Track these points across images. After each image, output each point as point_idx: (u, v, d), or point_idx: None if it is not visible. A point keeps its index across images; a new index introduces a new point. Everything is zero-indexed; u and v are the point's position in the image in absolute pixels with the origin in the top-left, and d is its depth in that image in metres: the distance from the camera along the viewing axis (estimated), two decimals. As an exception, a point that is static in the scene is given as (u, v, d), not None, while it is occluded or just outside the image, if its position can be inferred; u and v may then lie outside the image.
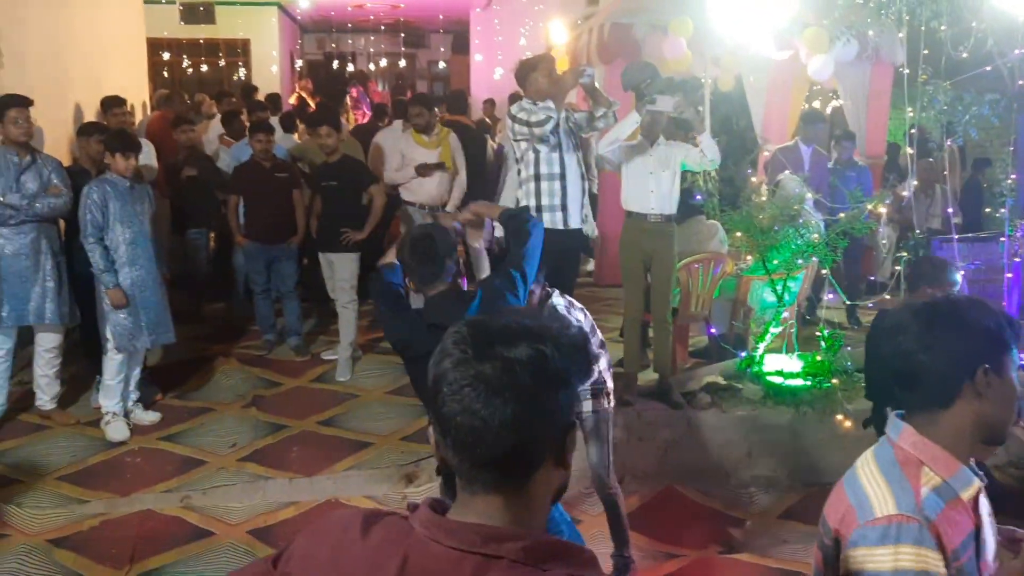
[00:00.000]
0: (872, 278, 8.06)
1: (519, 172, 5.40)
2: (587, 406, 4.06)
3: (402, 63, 24.29)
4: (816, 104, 10.15)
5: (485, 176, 7.78)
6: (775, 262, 5.79)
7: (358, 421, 5.98)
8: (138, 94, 9.97)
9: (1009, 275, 6.05)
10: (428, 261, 3.24)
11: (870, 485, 1.68)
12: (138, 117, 9.33)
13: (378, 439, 5.71)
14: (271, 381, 6.61)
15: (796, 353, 5.92)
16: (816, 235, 5.84)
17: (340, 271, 6.55)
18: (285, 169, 6.95)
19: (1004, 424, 1.71)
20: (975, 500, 1.70)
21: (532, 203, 5.25)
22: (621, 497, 4.26)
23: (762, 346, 5.85)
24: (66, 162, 6.18)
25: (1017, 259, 6.19)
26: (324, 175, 6.64)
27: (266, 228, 6.72)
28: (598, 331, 4.30)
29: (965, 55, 5.83)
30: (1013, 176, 6.26)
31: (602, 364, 4.08)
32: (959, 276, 3.94)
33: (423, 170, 6.86)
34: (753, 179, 6.81)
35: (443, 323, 3.07)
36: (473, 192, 7.37)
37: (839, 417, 5.29)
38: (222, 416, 6.05)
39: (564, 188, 5.25)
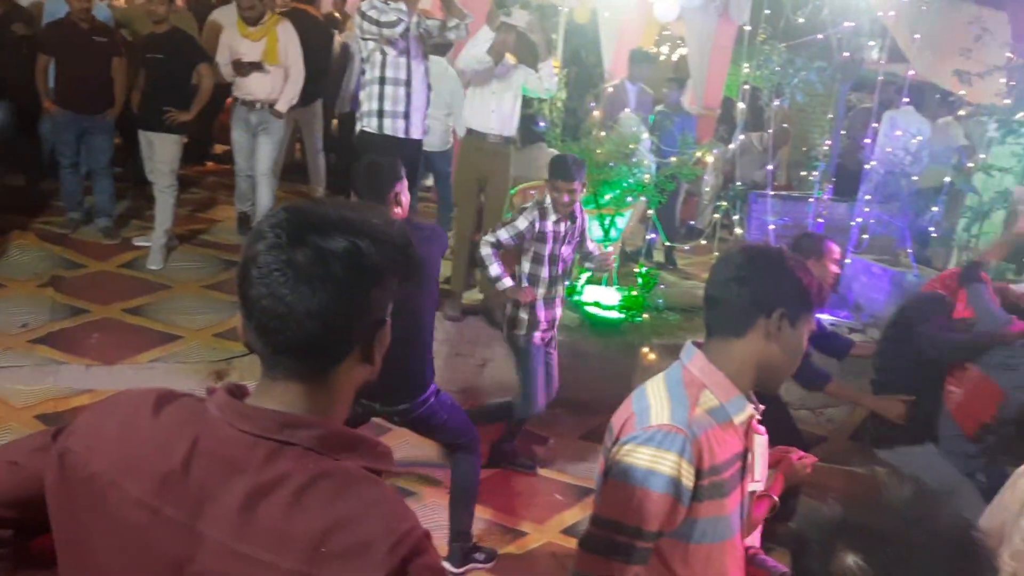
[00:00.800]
0: (692, 223, 8.48)
1: (363, 72, 5.22)
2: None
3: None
4: (664, 49, 10.40)
5: (328, 73, 7.46)
6: (606, 197, 5.97)
7: (168, 313, 5.71)
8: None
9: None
10: (371, 186, 3.39)
11: (654, 397, 1.82)
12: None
13: (189, 333, 5.49)
14: (73, 262, 6.16)
15: (615, 287, 6.18)
16: (647, 175, 6.05)
17: (160, 152, 6.13)
18: (105, 33, 6.35)
19: (783, 370, 1.87)
20: (747, 425, 1.86)
21: (374, 107, 5.10)
22: None
23: (584, 277, 6.05)
24: None
25: (820, 219, 6.70)
26: (149, 46, 6.13)
27: (78, 96, 6.15)
28: None
29: (802, 20, 6.13)
30: (828, 143, 6.72)
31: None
32: (837, 250, 4.09)
33: (238, 69, 6.23)
34: (595, 113, 6.94)
35: None
36: (314, 90, 7.08)
37: (645, 349, 5.60)
38: (13, 294, 5.60)
39: (409, 95, 5.12)
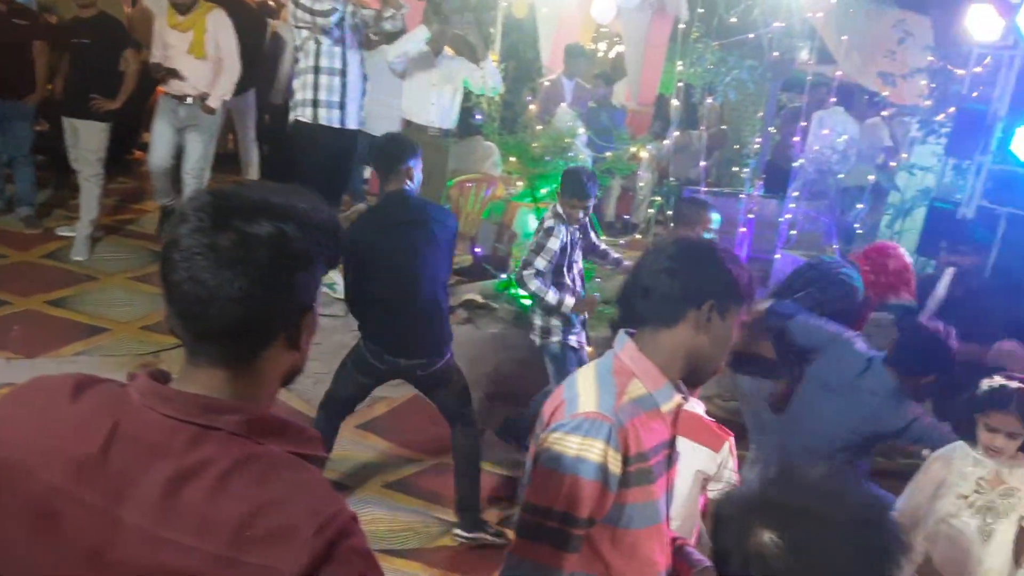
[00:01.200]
0: (627, 217, 8.58)
1: (297, 61, 5.15)
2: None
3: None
4: (602, 46, 10.50)
5: (262, 63, 7.33)
6: (543, 191, 6.00)
7: (94, 305, 5.54)
8: None
9: (743, 229, 6.70)
10: (386, 159, 3.78)
11: (583, 386, 1.84)
12: None
13: (116, 326, 5.34)
14: (-7, 252, 5.94)
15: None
16: (583, 170, 6.09)
17: (85, 140, 5.93)
18: (26, 16, 6.13)
19: (712, 361, 1.89)
20: (675, 414, 1.90)
21: (308, 96, 5.04)
22: None
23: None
24: None
25: (751, 215, 6.85)
26: (74, 31, 5.94)
27: (-5, 79, 5.92)
28: None
29: (734, 20, 6.26)
30: (759, 140, 6.88)
31: None
32: (718, 216, 4.29)
33: (155, 71, 5.83)
34: (531, 107, 6.97)
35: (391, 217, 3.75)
36: (247, 79, 6.94)
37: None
38: (-72, 284, 5.38)
39: (344, 85, 5.07)
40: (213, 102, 5.86)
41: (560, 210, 4.48)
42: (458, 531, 4.04)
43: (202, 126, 5.91)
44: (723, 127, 7.99)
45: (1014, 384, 2.75)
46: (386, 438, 4.91)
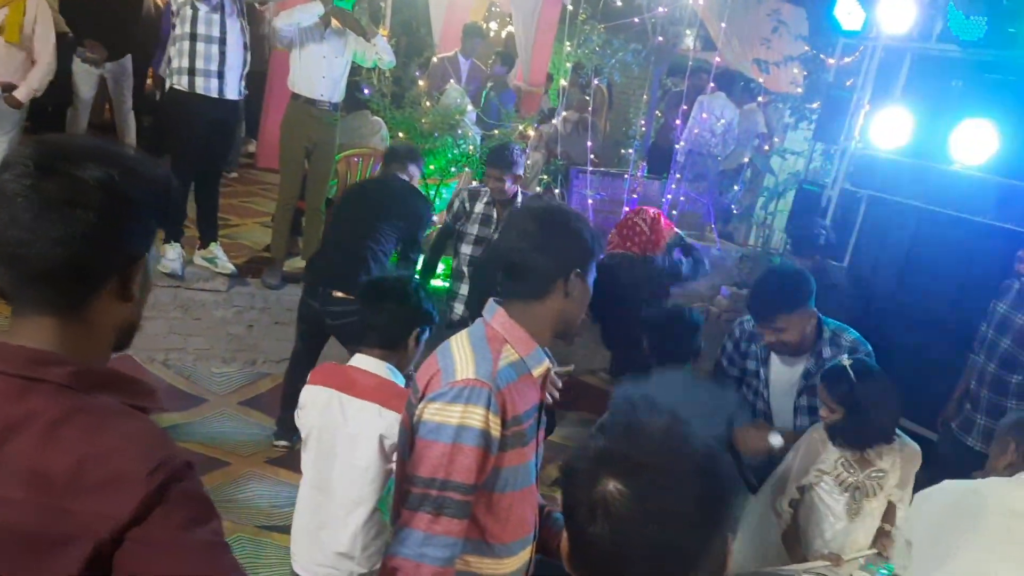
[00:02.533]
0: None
1: (174, 27, 4.96)
2: None
3: None
4: (493, 25, 10.51)
5: (138, 28, 7.02)
6: (431, 167, 6.00)
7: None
8: None
9: (627, 208, 6.88)
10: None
11: (458, 353, 1.87)
12: None
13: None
14: None
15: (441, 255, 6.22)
16: (472, 147, 6.13)
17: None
18: None
19: (577, 320, 1.98)
20: (544, 378, 1.96)
21: (185, 64, 4.86)
22: None
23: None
24: None
25: (635, 195, 7.05)
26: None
27: None
28: None
29: (620, 3, 6.39)
30: (642, 122, 7.06)
31: None
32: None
33: None
34: (420, 83, 6.94)
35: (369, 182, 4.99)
36: (124, 45, 6.64)
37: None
38: None
39: (223, 54, 4.91)
40: (21, 94, 5.23)
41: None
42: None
43: (2, 118, 5.27)
44: (585, 115, 8.11)
45: (841, 362, 2.88)
46: (270, 414, 4.85)
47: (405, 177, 4.72)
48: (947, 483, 2.28)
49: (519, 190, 4.77)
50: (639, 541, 1.12)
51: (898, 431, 2.90)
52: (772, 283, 3.21)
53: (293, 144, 5.41)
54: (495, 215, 4.74)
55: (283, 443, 4.60)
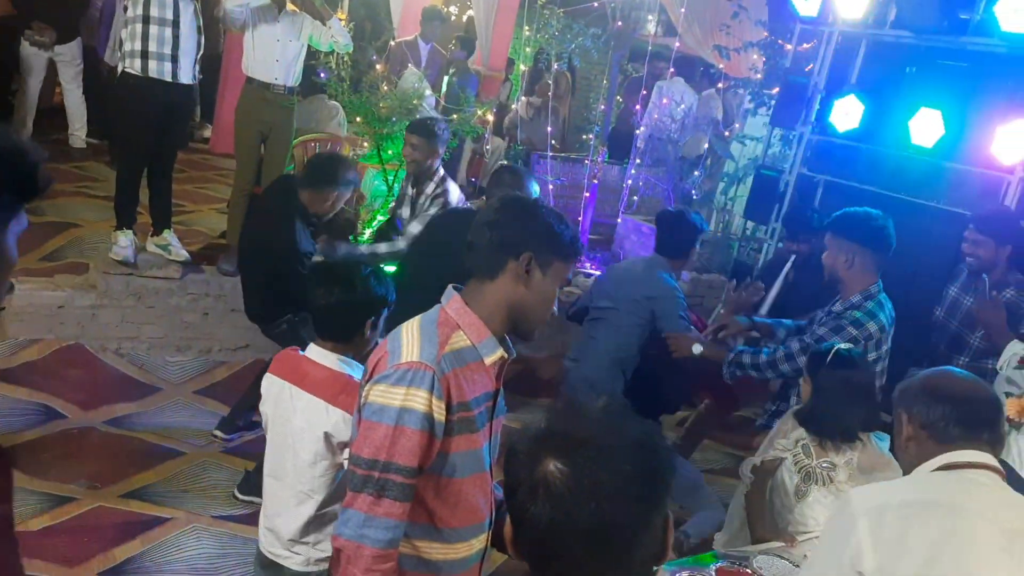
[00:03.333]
0: (474, 180, 8.64)
1: (125, 9, 4.85)
2: None
3: None
4: (453, 9, 10.44)
5: (86, 10, 6.86)
6: (389, 152, 5.95)
7: None
8: None
9: (587, 194, 6.89)
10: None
11: (406, 337, 1.86)
12: None
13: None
14: None
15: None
16: (431, 132, 6.07)
17: None
18: None
19: (535, 314, 1.94)
20: (500, 367, 1.94)
21: (137, 47, 4.75)
22: None
23: (368, 232, 6.02)
24: None
25: (596, 180, 7.05)
26: None
27: None
28: None
29: (579, -13, 6.37)
30: (602, 107, 7.06)
31: None
32: (536, 187, 4.35)
33: None
34: (378, 67, 6.87)
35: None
36: (72, 28, 6.49)
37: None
38: None
39: (176, 37, 4.81)
40: None
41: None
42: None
43: None
44: (547, 99, 8.10)
45: (835, 343, 2.99)
46: (226, 403, 4.79)
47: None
48: (898, 496, 1.94)
49: (443, 175, 4.54)
50: (579, 519, 1.13)
51: (879, 438, 2.90)
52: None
53: (248, 129, 5.32)
54: (408, 191, 4.58)
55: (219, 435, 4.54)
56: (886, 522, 1.84)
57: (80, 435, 4.34)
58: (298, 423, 2.35)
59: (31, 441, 4.19)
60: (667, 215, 4.11)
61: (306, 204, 4.09)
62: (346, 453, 2.28)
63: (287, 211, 4.06)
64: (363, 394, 1.85)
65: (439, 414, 1.78)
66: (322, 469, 2.35)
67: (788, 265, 4.52)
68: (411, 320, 1.93)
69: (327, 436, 2.31)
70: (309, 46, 5.44)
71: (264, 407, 2.46)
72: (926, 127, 5.13)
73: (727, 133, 7.72)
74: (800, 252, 4.74)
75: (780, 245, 5.55)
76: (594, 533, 1.13)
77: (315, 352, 2.43)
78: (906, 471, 2.06)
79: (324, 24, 5.29)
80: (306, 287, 2.54)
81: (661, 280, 3.86)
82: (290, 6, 5.26)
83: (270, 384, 2.43)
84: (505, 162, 7.57)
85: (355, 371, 2.40)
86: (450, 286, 1.97)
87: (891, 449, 3.52)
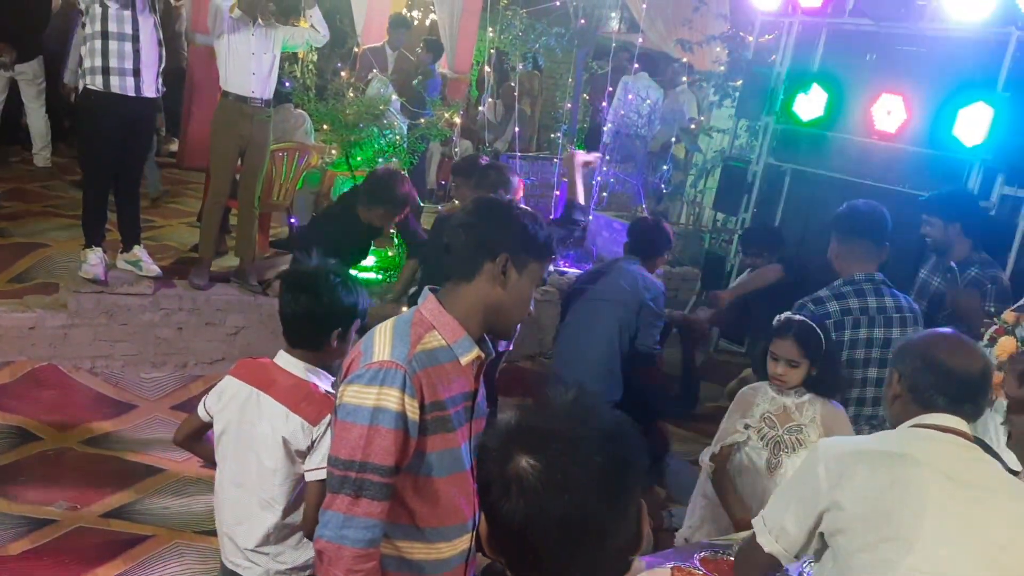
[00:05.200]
0: (444, 183, 8.63)
1: (84, 26, 4.80)
2: None
3: None
4: (416, 14, 10.42)
5: (45, 30, 6.78)
6: (358, 159, 5.94)
7: None
8: None
9: (557, 192, 6.91)
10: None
11: (379, 337, 1.87)
12: None
13: None
14: None
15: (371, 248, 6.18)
16: (399, 136, 6.08)
17: None
18: None
19: (511, 315, 1.95)
20: (478, 368, 1.95)
21: (98, 63, 4.70)
22: None
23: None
24: None
25: (565, 179, 7.06)
26: None
27: None
28: None
29: (541, -13, 6.40)
30: (569, 105, 7.09)
31: None
32: (518, 180, 4.38)
33: None
34: (343, 74, 6.86)
35: None
36: (33, 46, 6.42)
37: (404, 309, 5.66)
38: None
39: (137, 51, 4.76)
40: None
41: None
42: None
43: None
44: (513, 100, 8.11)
45: (797, 317, 3.05)
46: (204, 417, 4.75)
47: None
48: (857, 446, 2.02)
49: None
50: (553, 513, 1.13)
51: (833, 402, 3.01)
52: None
53: (226, 143, 5.30)
54: None
55: None
56: (844, 465, 1.92)
57: (56, 456, 4.29)
58: (263, 428, 2.32)
59: (6, 465, 4.13)
60: (644, 223, 4.33)
61: (365, 218, 4.27)
62: (306, 463, 2.29)
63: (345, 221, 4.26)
64: (338, 395, 1.86)
65: (412, 412, 1.79)
66: (282, 477, 2.33)
67: (734, 278, 4.65)
68: (385, 322, 1.93)
69: (285, 442, 2.30)
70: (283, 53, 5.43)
71: (224, 412, 2.42)
72: (888, 112, 5.21)
73: (693, 127, 7.78)
74: (758, 266, 4.85)
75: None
76: (568, 526, 1.14)
77: (283, 359, 2.41)
78: (892, 425, 2.12)
79: (305, 13, 5.29)
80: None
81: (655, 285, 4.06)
82: (262, 19, 5.25)
83: (236, 389, 2.40)
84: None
85: (322, 381, 2.38)
86: (426, 288, 1.98)
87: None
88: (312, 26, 5.33)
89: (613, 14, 8.32)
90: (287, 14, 5.48)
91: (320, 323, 2.39)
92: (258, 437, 2.34)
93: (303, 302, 2.39)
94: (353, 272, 5.86)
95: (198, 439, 2.59)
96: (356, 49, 7.77)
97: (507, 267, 1.88)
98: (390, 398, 1.77)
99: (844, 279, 3.35)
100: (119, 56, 4.74)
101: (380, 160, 6.05)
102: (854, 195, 5.35)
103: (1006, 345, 2.99)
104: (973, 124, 4.81)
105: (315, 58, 7.21)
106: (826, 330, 3.04)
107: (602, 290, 4.09)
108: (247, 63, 5.19)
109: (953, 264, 3.74)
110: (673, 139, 7.58)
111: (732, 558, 2.62)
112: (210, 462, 2.57)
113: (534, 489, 1.14)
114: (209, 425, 2.50)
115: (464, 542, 1.98)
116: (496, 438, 1.22)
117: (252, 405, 2.37)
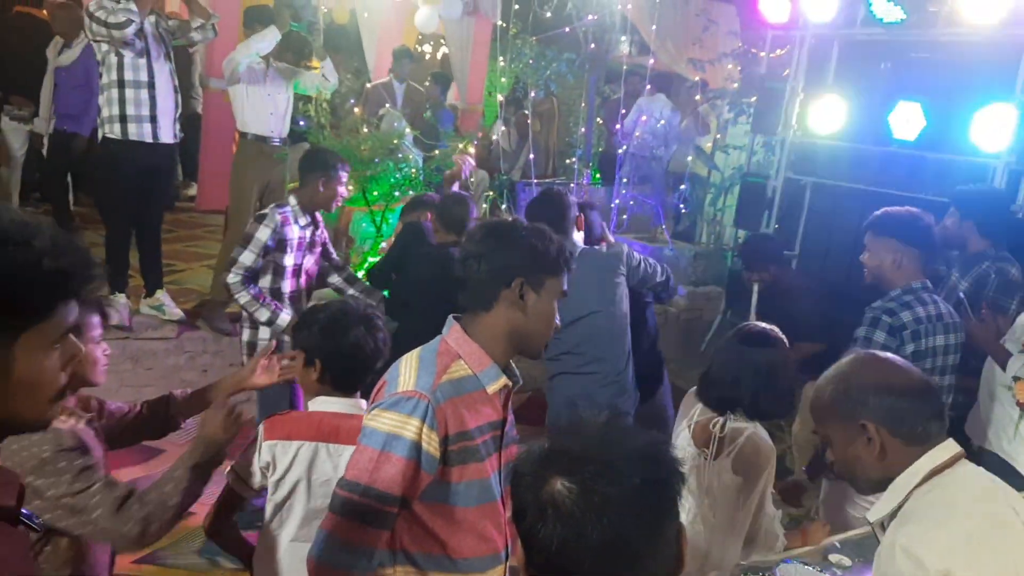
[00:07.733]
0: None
1: (101, 76, 4.87)
2: None
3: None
4: (427, 48, 10.52)
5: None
6: (375, 193, 5.95)
7: None
8: None
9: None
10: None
11: (405, 367, 1.85)
12: None
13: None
14: None
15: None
16: (414, 170, 6.09)
17: None
18: None
19: (537, 336, 1.92)
20: (505, 396, 1.92)
21: (115, 112, 4.77)
22: None
23: (361, 274, 5.99)
24: None
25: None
26: None
27: None
28: None
29: (549, 14, 6.43)
30: (583, 130, 7.09)
31: None
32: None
33: None
34: (356, 110, 6.91)
35: None
36: (30, 90, 6.44)
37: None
38: None
39: (153, 98, 4.83)
40: None
41: (293, 200, 3.90)
42: None
43: None
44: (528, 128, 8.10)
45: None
46: (229, 459, 4.72)
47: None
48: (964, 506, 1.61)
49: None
50: (590, 536, 1.10)
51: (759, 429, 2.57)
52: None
53: (247, 183, 5.38)
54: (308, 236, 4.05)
55: None
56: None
57: (86, 505, 4.27)
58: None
59: (36, 515, 4.12)
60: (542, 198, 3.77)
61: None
62: None
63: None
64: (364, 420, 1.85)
65: (430, 445, 1.76)
66: None
67: (754, 298, 4.55)
68: (413, 352, 1.91)
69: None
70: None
71: (289, 476, 2.26)
72: (907, 120, 5.15)
73: (708, 145, 7.75)
74: (763, 280, 4.74)
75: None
76: (606, 549, 1.11)
77: (326, 403, 2.32)
78: (874, 489, 1.75)
79: (319, 63, 5.37)
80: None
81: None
82: (274, 62, 5.34)
83: (296, 449, 2.25)
84: (491, 193, 7.58)
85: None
86: (450, 316, 1.95)
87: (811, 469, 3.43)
88: (323, 75, 5.42)
89: (623, 38, 8.33)
90: (301, 57, 5.56)
91: (363, 368, 2.36)
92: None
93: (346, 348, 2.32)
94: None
95: (232, 523, 2.47)
96: (367, 85, 7.83)
97: (524, 290, 1.86)
98: (408, 427, 1.75)
99: (903, 288, 3.20)
100: (136, 103, 4.81)
101: (396, 194, 6.06)
102: (878, 205, 5.26)
103: None
104: (996, 127, 4.74)
105: (328, 95, 7.26)
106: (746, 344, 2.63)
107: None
108: (264, 104, 5.30)
109: (962, 295, 3.63)
110: (689, 158, 7.55)
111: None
112: (233, 552, 2.50)
113: (571, 513, 1.12)
114: (246, 500, 2.42)
115: (497, 573, 1.94)
116: (529, 463, 1.20)
117: (322, 460, 2.25)
